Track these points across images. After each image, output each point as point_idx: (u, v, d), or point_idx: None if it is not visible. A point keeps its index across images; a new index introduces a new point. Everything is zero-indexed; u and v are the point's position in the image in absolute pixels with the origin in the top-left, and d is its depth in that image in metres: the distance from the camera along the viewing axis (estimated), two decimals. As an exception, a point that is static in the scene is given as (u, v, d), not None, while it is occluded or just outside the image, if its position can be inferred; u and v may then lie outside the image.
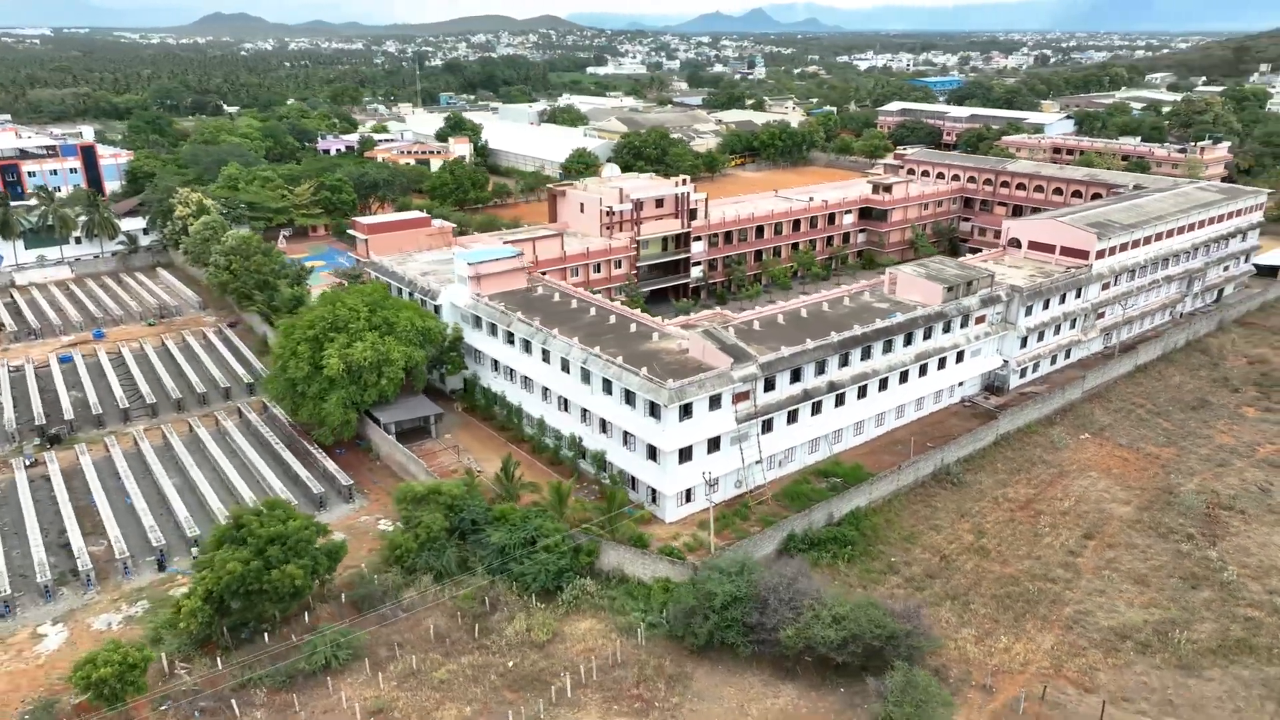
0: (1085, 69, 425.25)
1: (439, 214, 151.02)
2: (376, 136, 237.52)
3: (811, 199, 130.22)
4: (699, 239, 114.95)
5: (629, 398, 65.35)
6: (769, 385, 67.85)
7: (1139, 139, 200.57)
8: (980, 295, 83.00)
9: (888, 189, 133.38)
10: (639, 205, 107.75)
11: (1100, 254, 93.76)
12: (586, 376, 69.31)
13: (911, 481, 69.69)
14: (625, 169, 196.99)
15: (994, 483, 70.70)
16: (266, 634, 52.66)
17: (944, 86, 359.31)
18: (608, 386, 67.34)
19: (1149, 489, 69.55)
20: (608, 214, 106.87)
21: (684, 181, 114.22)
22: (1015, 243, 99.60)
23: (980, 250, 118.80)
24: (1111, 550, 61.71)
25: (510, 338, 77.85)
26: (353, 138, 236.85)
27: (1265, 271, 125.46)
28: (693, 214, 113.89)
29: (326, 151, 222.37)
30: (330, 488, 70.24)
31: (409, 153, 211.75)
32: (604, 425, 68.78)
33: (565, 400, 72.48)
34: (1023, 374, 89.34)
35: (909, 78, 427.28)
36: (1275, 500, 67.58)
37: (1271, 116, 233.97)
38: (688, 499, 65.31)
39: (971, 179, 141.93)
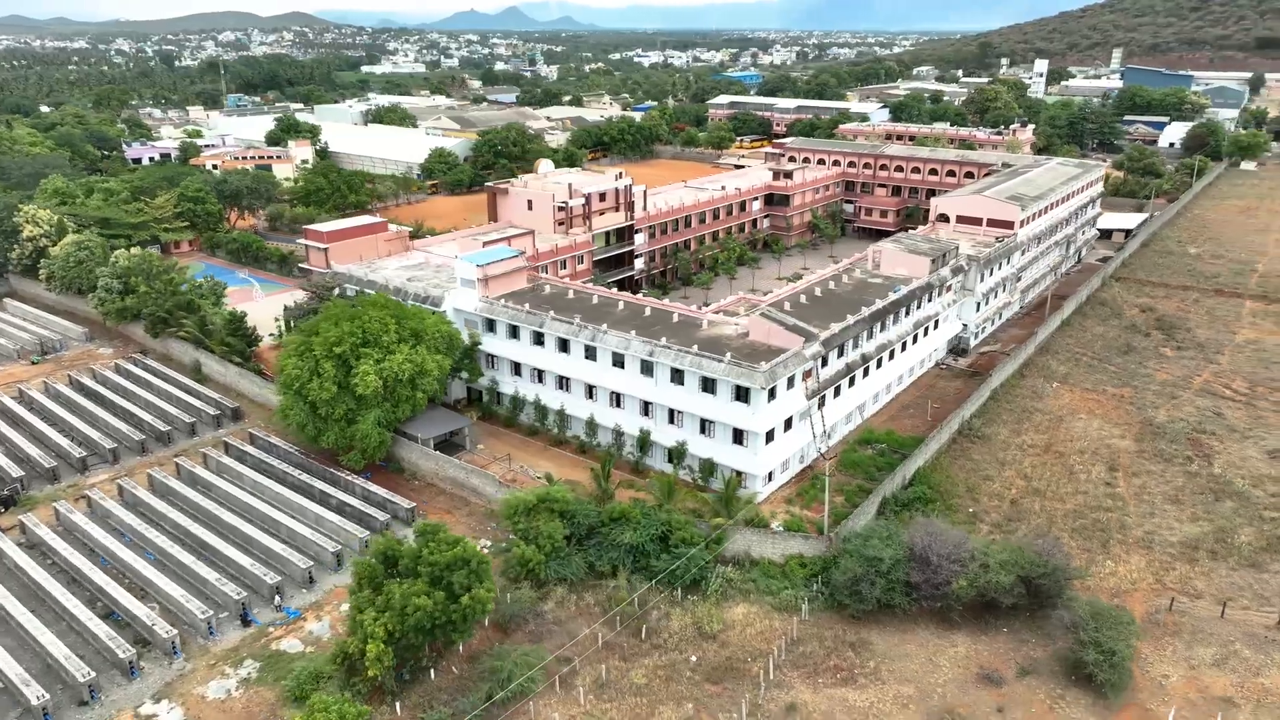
0: (864, 63, 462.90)
1: (303, 218, 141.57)
2: (199, 143, 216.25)
3: (723, 188, 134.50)
4: (639, 231, 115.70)
5: (707, 385, 65.71)
6: (823, 361, 70.63)
7: (948, 123, 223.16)
8: (951, 265, 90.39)
9: (789, 175, 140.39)
10: (589, 200, 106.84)
11: (1022, 223, 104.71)
12: (649, 369, 68.77)
13: (948, 439, 75.18)
14: (486, 167, 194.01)
15: (1009, 433, 77.72)
16: (432, 670, 48.67)
17: (749, 80, 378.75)
18: (677, 376, 67.25)
19: (1132, 424, 79.32)
20: (560, 209, 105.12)
21: (621, 175, 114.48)
22: (944, 218, 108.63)
23: (865, 229, 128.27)
24: (1137, 479, 70.09)
25: (538, 338, 75.37)
26: (167, 145, 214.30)
27: (1104, 235, 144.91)
28: (630, 206, 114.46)
29: (138, 161, 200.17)
30: (385, 513, 65.01)
31: (244, 158, 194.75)
32: (672, 416, 68.65)
33: (619, 396, 71.46)
34: (976, 336, 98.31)
35: (714, 72, 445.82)
36: (1229, 421, 79.32)
37: (1041, 103, 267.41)
38: (769, 479, 66.83)
39: (852, 163, 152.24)
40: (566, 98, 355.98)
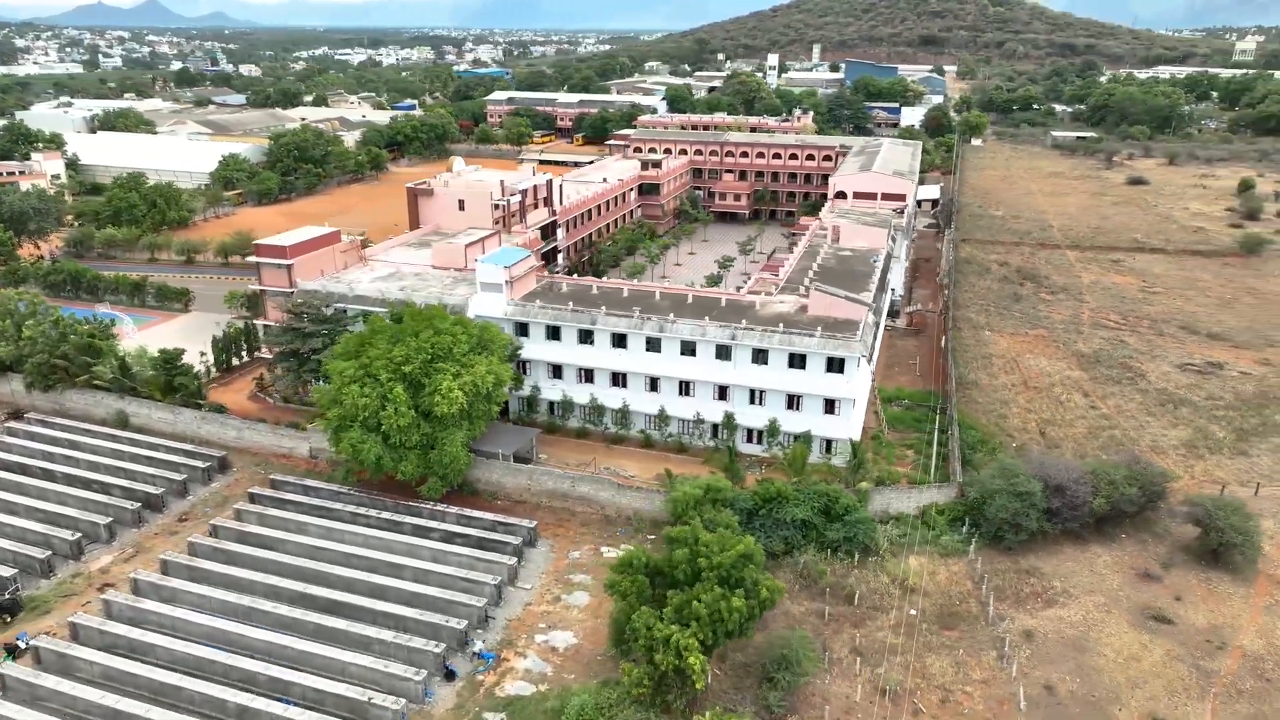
0: (599, 59, 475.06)
1: (105, 239, 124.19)
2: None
3: (605, 179, 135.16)
4: (559, 226, 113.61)
5: (795, 361, 67.98)
6: (864, 328, 75.61)
7: (724, 113, 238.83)
8: (891, 235, 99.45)
9: (657, 165, 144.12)
10: (524, 197, 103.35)
11: (911, 196, 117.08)
12: (725, 353, 69.57)
13: (955, 388, 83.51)
14: (287, 173, 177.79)
15: (987, 376, 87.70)
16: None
17: (501, 76, 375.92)
18: (760, 356, 68.81)
19: (1067, 357, 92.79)
20: (496, 208, 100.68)
21: (536, 170, 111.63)
22: (841, 194, 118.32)
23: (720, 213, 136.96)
24: (1108, 400, 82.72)
25: (584, 336, 72.95)
26: None
27: (926, 202, 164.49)
28: (550, 202, 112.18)
29: None
30: (510, 535, 60.28)
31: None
32: (753, 396, 70.03)
33: (688, 385, 71.40)
34: (895, 297, 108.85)
35: (459, 70, 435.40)
36: (1132, 347, 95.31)
37: (789, 93, 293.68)
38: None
39: (699, 151, 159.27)
40: (308, 98, 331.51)
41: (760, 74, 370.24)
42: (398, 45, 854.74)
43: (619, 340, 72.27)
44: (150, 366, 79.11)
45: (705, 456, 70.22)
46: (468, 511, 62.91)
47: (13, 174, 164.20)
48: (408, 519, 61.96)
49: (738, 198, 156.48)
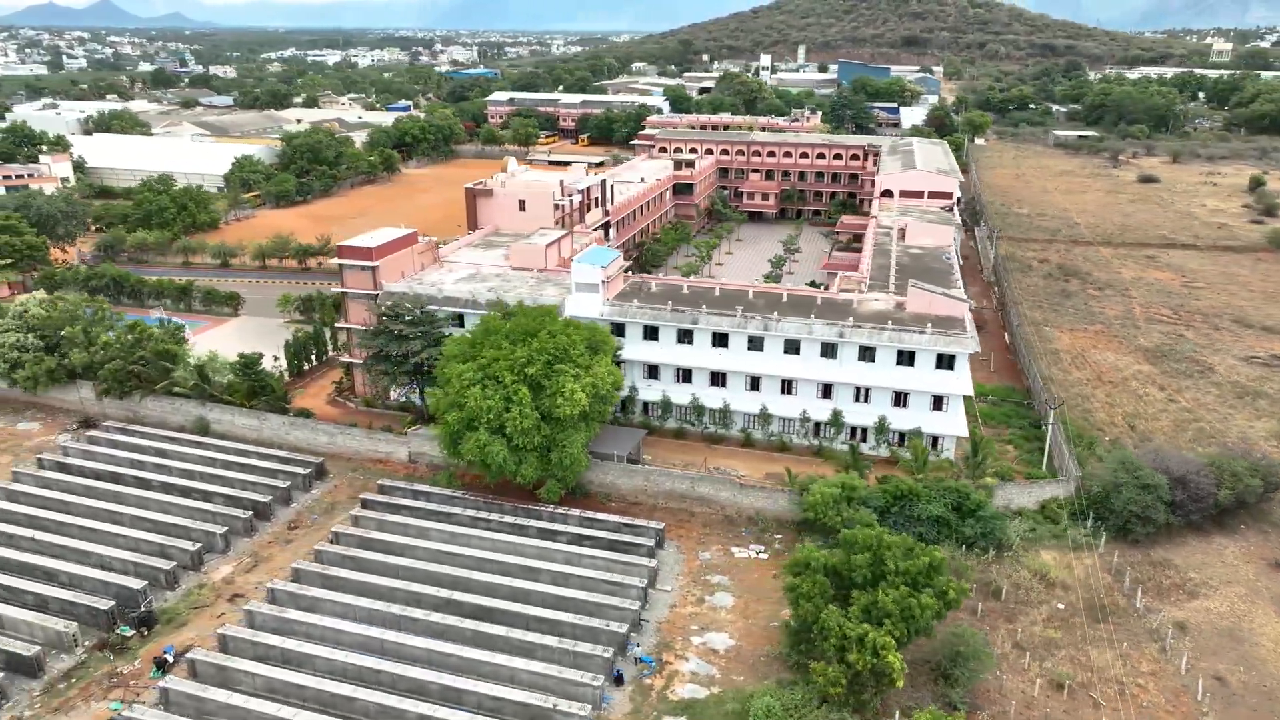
0: (584, 59, 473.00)
1: (137, 242, 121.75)
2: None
3: (642, 179, 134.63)
4: (611, 226, 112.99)
5: (903, 357, 68.04)
6: (957, 325, 75.88)
7: (728, 113, 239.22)
8: (956, 233, 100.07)
9: (690, 165, 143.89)
10: (585, 196, 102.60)
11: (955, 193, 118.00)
12: (831, 351, 69.49)
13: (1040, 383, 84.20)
14: (301, 174, 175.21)
15: (1060, 372, 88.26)
16: (886, 673, 46.74)
17: (488, 76, 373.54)
18: (866, 354, 68.79)
19: (1132, 352, 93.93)
20: (556, 208, 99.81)
21: (591, 170, 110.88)
22: (887, 193, 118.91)
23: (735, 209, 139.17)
24: (1185, 393, 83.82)
25: (683, 336, 72.48)
26: None
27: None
28: (598, 202, 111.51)
29: None
30: (638, 537, 59.65)
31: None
32: (859, 393, 69.97)
33: (791, 383, 71.19)
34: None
35: (446, 71, 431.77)
36: (1193, 341, 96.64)
37: (787, 93, 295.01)
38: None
39: (725, 151, 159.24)
40: (298, 99, 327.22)
41: (752, 75, 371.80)
42: (366, 46, 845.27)
43: (719, 339, 71.85)
44: (230, 371, 77.39)
45: (812, 455, 70.28)
46: (591, 514, 62.16)
47: (20, 177, 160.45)
48: (531, 522, 61.08)
49: (765, 197, 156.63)
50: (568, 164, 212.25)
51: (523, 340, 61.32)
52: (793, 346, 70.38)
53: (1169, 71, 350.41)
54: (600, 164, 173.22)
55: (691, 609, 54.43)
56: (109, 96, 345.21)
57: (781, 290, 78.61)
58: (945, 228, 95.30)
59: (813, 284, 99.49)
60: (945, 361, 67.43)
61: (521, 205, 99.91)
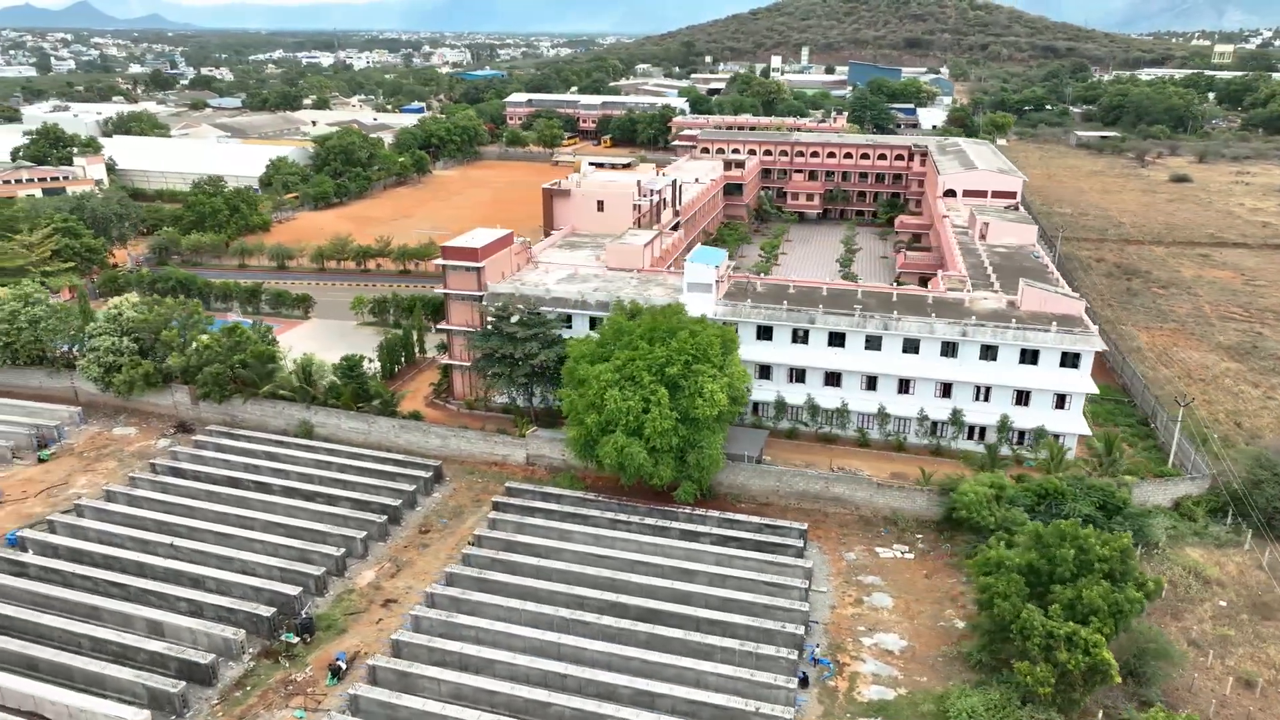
0: (588, 61, 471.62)
1: (192, 245, 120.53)
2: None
3: (697, 180, 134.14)
4: (680, 226, 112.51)
5: (1026, 356, 67.93)
6: (1065, 324, 75.85)
7: (749, 114, 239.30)
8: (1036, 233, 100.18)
9: (740, 165, 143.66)
10: (660, 196, 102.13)
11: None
12: (951, 350, 69.31)
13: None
14: (336, 175, 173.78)
15: (1148, 370, 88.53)
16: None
17: (498, 78, 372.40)
18: (988, 353, 68.64)
19: (1214, 350, 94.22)
20: (635, 209, 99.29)
21: (661, 171, 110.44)
22: (950, 192, 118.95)
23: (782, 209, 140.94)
24: None
25: (798, 336, 72.15)
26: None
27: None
28: (667, 202, 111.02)
29: None
30: (781, 540, 59.22)
31: (21, 181, 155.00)
32: (978, 392, 69.79)
33: (908, 382, 70.96)
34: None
35: (460, 72, 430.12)
36: (1272, 339, 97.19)
37: (801, 94, 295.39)
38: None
39: (768, 151, 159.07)
40: (307, 101, 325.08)
41: (759, 76, 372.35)
42: (356, 49, 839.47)
43: (835, 339, 71.55)
44: (333, 373, 76.46)
45: (930, 454, 70.06)
46: (730, 515, 61.66)
47: (56, 179, 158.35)
48: (671, 524, 60.51)
49: (810, 197, 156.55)
50: (598, 165, 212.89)
51: (661, 340, 60.86)
52: (911, 345, 70.16)
53: (1177, 73, 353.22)
54: (627, 165, 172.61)
55: (852, 610, 54.04)
56: (114, 98, 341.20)
57: (890, 289, 78.43)
58: (1028, 226, 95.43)
59: (898, 281, 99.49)
60: (1069, 360, 67.38)
61: (600, 206, 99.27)
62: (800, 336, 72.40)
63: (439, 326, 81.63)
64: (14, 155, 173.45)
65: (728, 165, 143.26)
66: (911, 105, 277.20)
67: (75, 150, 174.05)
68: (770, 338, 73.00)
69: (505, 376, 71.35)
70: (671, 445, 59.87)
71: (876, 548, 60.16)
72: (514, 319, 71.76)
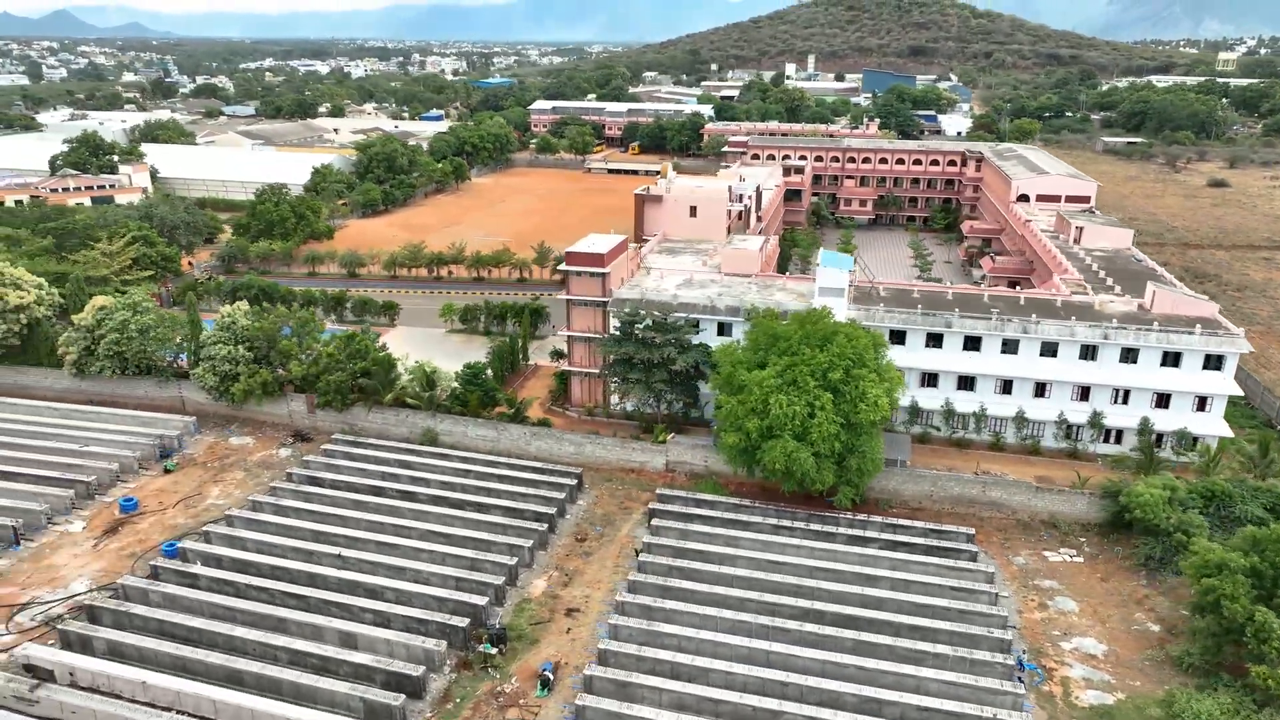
0: (596, 68, 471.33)
1: (261, 253, 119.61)
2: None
3: (759, 186, 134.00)
4: (760, 232, 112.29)
5: (1168, 359, 67.93)
6: (1189, 326, 75.95)
7: (775, 120, 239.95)
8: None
9: (799, 171, 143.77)
10: (749, 202, 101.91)
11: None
12: (1090, 353, 69.26)
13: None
14: (379, 182, 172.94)
15: (1250, 369, 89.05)
16: None
17: (509, 85, 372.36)
18: (1129, 355, 68.62)
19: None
20: (728, 214, 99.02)
21: (742, 178, 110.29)
22: (1024, 198, 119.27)
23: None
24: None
25: (932, 340, 71.92)
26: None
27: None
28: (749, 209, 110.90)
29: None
30: (950, 544, 58.87)
31: (69, 190, 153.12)
32: (1117, 395, 69.71)
33: (1044, 386, 70.83)
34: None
35: (475, 80, 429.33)
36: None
37: (822, 100, 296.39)
38: (1209, 439, 70.77)
39: (820, 158, 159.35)
40: (322, 109, 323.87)
41: (771, 83, 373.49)
42: (347, 57, 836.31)
43: (970, 342, 71.38)
44: (456, 380, 75.66)
45: (1067, 457, 69.89)
46: (891, 520, 61.27)
47: (103, 187, 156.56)
48: (836, 529, 60.06)
49: (862, 203, 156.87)
50: (632, 173, 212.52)
51: (821, 345, 60.51)
52: (1049, 349, 70.07)
53: (1188, 80, 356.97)
54: (658, 172, 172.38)
55: (1039, 614, 53.69)
56: (126, 106, 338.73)
57: (1018, 294, 78.34)
58: (1123, 230, 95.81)
59: (981, 281, 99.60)
60: (1212, 362, 67.45)
61: (692, 211, 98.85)
62: (934, 341, 72.18)
63: (562, 332, 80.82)
64: (53, 163, 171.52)
65: (786, 171, 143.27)
66: (933, 112, 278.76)
67: (116, 158, 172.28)
68: (903, 342, 72.70)
69: (641, 382, 70.70)
70: (834, 450, 59.58)
71: (1044, 551, 59.88)
72: (641, 325, 71.23)
